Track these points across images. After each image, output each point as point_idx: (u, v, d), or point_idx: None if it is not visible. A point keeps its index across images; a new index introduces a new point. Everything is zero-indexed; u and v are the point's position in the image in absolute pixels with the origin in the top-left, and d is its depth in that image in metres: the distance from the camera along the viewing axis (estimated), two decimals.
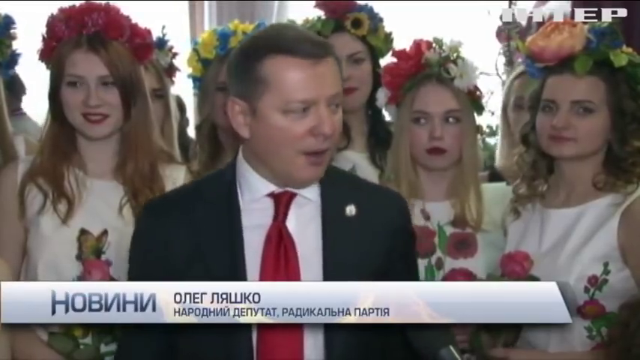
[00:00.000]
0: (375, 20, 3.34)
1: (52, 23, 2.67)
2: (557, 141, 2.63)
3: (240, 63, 2.13)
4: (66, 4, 2.72)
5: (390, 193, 2.37)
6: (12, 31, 3.05)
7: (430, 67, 2.83)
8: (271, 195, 2.18)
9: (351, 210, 2.18)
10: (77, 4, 2.71)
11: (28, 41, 3.07)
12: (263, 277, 2.13)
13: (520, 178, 2.75)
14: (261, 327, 2.10)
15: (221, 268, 2.13)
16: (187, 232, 2.17)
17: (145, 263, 2.21)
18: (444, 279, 2.73)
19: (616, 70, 2.62)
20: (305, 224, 2.17)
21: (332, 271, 2.13)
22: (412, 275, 2.28)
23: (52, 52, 2.67)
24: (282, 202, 2.17)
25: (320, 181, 2.19)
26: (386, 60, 3.19)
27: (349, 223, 2.17)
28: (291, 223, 2.17)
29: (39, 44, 2.74)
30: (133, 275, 2.23)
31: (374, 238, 2.17)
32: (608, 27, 2.69)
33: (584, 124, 2.61)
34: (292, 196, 2.18)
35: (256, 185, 2.17)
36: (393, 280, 2.10)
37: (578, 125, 2.61)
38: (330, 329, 2.10)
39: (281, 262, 2.13)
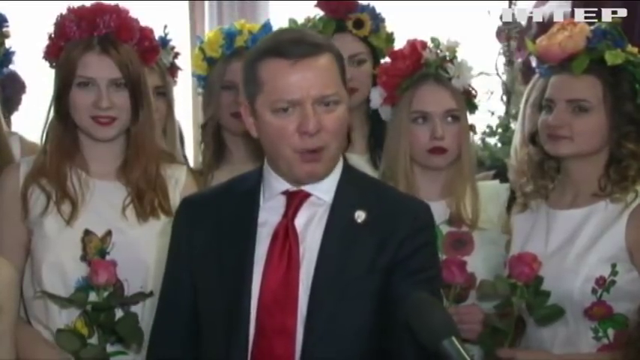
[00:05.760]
0: (377, 20, 3.33)
1: (62, 23, 2.63)
2: (554, 139, 2.63)
3: (246, 66, 2.22)
4: (64, 5, 2.69)
5: (410, 203, 2.32)
6: (5, 29, 3.00)
7: (428, 67, 2.84)
8: (285, 193, 2.23)
9: (359, 215, 2.20)
10: (85, 4, 2.69)
11: (25, 41, 3.07)
12: (266, 271, 2.18)
13: (527, 177, 2.74)
14: (257, 331, 2.17)
15: (231, 257, 2.20)
16: (211, 224, 2.25)
17: (174, 251, 2.33)
18: None
19: (618, 71, 2.61)
20: (313, 224, 2.22)
21: (324, 271, 2.16)
22: (420, 287, 2.11)
23: (59, 52, 2.65)
24: (294, 201, 2.22)
25: (339, 183, 2.23)
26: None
27: (354, 228, 2.19)
28: (300, 222, 2.21)
29: (33, 43, 2.72)
30: (167, 264, 2.35)
31: (377, 245, 2.17)
32: (610, 26, 2.67)
33: (579, 123, 2.60)
34: (307, 195, 2.22)
35: (273, 183, 2.24)
36: (395, 289, 2.12)
37: (574, 124, 2.60)
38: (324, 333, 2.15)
39: (284, 257, 2.19)
